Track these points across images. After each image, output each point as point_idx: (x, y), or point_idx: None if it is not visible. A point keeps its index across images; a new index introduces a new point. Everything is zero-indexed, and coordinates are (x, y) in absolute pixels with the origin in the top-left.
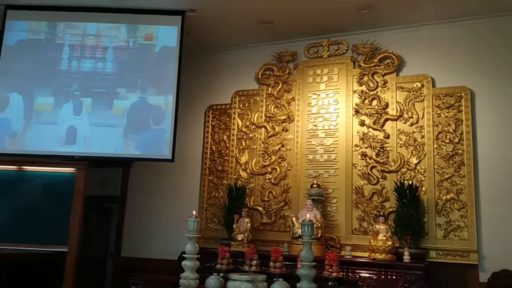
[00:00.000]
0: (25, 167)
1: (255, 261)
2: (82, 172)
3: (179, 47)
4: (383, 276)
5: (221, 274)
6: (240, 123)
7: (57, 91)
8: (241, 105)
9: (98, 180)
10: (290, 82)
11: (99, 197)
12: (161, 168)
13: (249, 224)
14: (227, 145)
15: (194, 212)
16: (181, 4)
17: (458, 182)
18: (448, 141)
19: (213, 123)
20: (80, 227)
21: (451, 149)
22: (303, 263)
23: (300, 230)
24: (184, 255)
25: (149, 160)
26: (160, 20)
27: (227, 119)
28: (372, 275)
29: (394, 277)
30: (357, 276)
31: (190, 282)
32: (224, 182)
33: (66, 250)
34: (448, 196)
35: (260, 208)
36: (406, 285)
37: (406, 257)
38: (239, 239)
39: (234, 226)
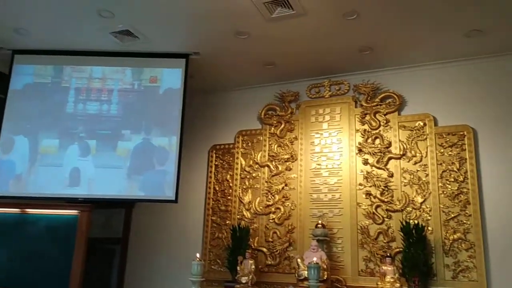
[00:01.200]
0: (28, 209)
1: None
2: (85, 214)
3: (183, 88)
4: None
5: None
6: (243, 162)
7: (62, 134)
8: (244, 145)
9: (100, 222)
10: (292, 122)
11: (101, 239)
12: (163, 209)
13: (253, 266)
14: (230, 184)
15: (197, 255)
16: (185, 47)
17: (465, 221)
18: (452, 179)
19: (216, 163)
20: (81, 270)
21: (456, 188)
22: None
23: (306, 272)
24: None
25: (152, 201)
26: (164, 63)
27: (231, 158)
28: None
29: None
30: None
31: None
32: (227, 222)
33: None
34: (455, 236)
35: (264, 249)
36: None
37: None
38: (244, 281)
39: (238, 268)
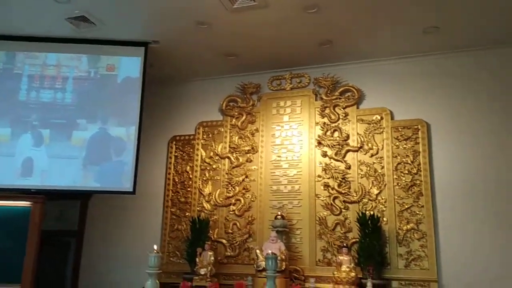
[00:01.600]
0: None
1: None
2: (38, 206)
3: (142, 78)
4: None
5: None
6: (203, 154)
7: (15, 122)
8: (205, 136)
9: (54, 214)
10: (254, 114)
11: (56, 231)
12: (121, 201)
13: (212, 258)
14: (190, 176)
15: (155, 247)
16: (144, 35)
17: (418, 212)
18: (406, 172)
19: (176, 154)
20: (34, 263)
21: (409, 180)
22: None
23: (264, 263)
24: None
25: (109, 193)
26: (122, 51)
27: (191, 150)
28: None
29: None
30: None
31: None
32: (187, 214)
33: None
34: (408, 226)
35: (224, 241)
36: None
37: None
38: (202, 273)
39: (197, 260)
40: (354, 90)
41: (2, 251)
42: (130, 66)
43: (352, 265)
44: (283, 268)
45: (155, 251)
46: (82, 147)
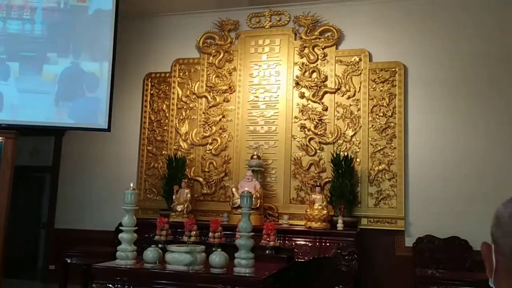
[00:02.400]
0: None
1: (194, 232)
2: (9, 141)
3: (115, 10)
4: (317, 244)
5: (160, 246)
6: (180, 92)
7: None
8: (181, 74)
9: (28, 150)
10: (231, 52)
11: (30, 167)
12: (96, 138)
13: (189, 195)
14: (167, 114)
15: (131, 184)
16: None
17: (390, 154)
18: (382, 114)
19: (151, 92)
20: (8, 198)
21: (384, 122)
22: (241, 233)
23: (239, 201)
24: (121, 228)
25: (83, 129)
26: None
27: (167, 88)
28: (307, 243)
29: (328, 244)
30: (293, 244)
31: (128, 255)
32: (163, 152)
33: None
34: (380, 167)
35: (201, 179)
36: (339, 251)
37: (340, 225)
38: (179, 210)
39: (174, 197)
40: (334, 30)
41: None
42: None
43: (325, 203)
44: (257, 206)
45: (131, 188)
46: (54, 82)
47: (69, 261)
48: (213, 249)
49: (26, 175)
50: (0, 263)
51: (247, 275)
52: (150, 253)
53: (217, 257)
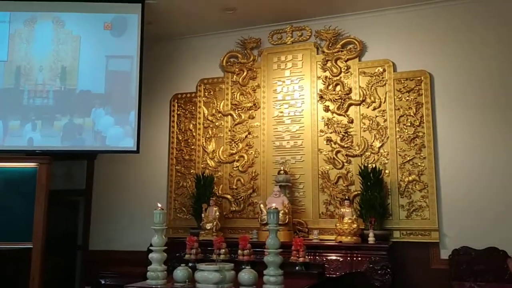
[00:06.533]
0: None
1: (224, 250)
2: (44, 167)
3: (140, 36)
4: (349, 258)
5: (190, 264)
6: (206, 111)
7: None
8: (206, 93)
9: (62, 174)
10: (255, 69)
11: (65, 191)
12: (127, 160)
13: (217, 213)
14: (194, 134)
15: (159, 204)
16: None
17: (419, 164)
18: (409, 124)
19: (178, 112)
20: (44, 222)
21: (412, 132)
22: (269, 250)
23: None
24: (150, 248)
25: (113, 152)
26: (119, 8)
27: (193, 107)
28: (339, 258)
29: (359, 259)
30: (324, 259)
31: (158, 274)
32: (191, 171)
33: (31, 246)
34: (410, 178)
35: (229, 196)
36: (371, 265)
37: (371, 239)
38: (208, 228)
39: (203, 215)
40: (356, 42)
41: (13, 211)
42: (128, 23)
43: (354, 216)
44: (286, 221)
45: (159, 208)
46: None
47: (103, 282)
48: (242, 266)
49: (60, 199)
50: (39, 286)
51: None
52: (180, 273)
53: (246, 275)
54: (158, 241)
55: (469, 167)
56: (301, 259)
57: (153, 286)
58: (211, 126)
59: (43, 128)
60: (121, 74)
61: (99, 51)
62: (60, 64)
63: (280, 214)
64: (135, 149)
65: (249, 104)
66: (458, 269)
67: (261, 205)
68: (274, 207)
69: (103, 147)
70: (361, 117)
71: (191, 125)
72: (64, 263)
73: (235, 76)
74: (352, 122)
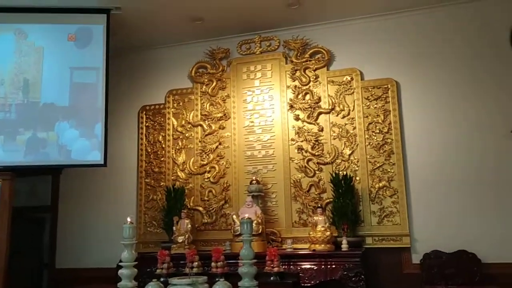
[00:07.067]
0: None
1: (197, 262)
2: (6, 183)
3: (106, 47)
4: (323, 266)
5: (162, 279)
6: (175, 122)
7: None
8: (175, 105)
9: (27, 191)
10: (224, 80)
11: (29, 207)
12: (94, 174)
13: (189, 225)
14: (163, 145)
15: (129, 219)
16: (105, 2)
17: (389, 170)
18: (378, 131)
19: (147, 124)
20: (7, 239)
21: (381, 139)
22: (244, 261)
23: (240, 228)
24: (120, 264)
25: (79, 166)
26: (84, 19)
27: (162, 119)
28: (313, 266)
29: (333, 266)
30: (299, 268)
31: None
32: (161, 184)
33: None
34: (380, 184)
35: (201, 208)
36: (345, 272)
37: (344, 246)
38: (180, 241)
39: (174, 228)
40: (323, 51)
41: None
42: (93, 34)
43: (327, 224)
44: (259, 232)
45: (129, 222)
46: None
47: None
48: (216, 279)
49: (25, 216)
50: None
51: None
52: None
53: None
54: (128, 256)
55: (438, 172)
56: (275, 269)
57: None
58: (180, 137)
59: (5, 143)
60: (86, 86)
61: (63, 63)
62: (23, 77)
63: (254, 224)
64: (102, 162)
65: (219, 115)
66: (430, 273)
67: (234, 216)
68: (247, 217)
69: (69, 161)
70: (331, 125)
71: (160, 137)
72: (29, 283)
73: (204, 87)
74: (322, 130)
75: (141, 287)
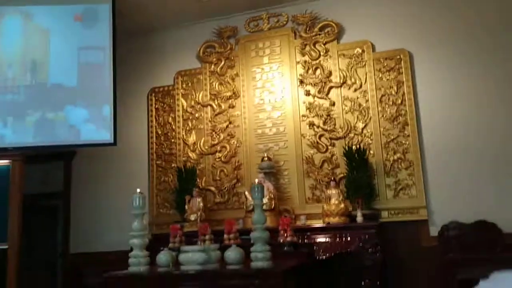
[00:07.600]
0: None
1: (209, 235)
2: (17, 164)
3: (112, 26)
4: (338, 239)
5: (174, 253)
6: (184, 103)
7: None
8: (184, 85)
9: (38, 177)
10: (232, 58)
11: (42, 194)
12: (105, 158)
13: (201, 204)
14: (173, 127)
15: (138, 190)
16: None
17: (404, 142)
18: (391, 103)
19: (156, 106)
20: (19, 222)
21: (394, 111)
22: (255, 225)
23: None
24: (131, 233)
25: (89, 145)
26: None
27: (171, 100)
28: (327, 239)
29: (349, 239)
30: (313, 242)
31: (140, 260)
32: (173, 165)
33: (6, 247)
34: (395, 157)
35: (213, 188)
36: (361, 244)
37: (359, 218)
38: (192, 219)
39: (186, 207)
40: (333, 24)
41: None
42: (99, 14)
43: (341, 198)
44: (272, 207)
45: (139, 192)
46: None
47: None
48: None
49: (38, 204)
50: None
51: (265, 268)
52: (163, 256)
53: (233, 253)
54: (138, 226)
55: (453, 141)
56: (289, 239)
57: (136, 273)
58: (190, 118)
59: (14, 125)
60: (94, 66)
61: (70, 43)
62: (30, 58)
63: (266, 200)
64: (112, 141)
65: (229, 94)
66: (449, 245)
67: (246, 193)
68: (258, 181)
69: (78, 141)
70: (343, 99)
71: (170, 118)
72: (46, 270)
73: (213, 66)
74: (334, 104)
75: (153, 261)
